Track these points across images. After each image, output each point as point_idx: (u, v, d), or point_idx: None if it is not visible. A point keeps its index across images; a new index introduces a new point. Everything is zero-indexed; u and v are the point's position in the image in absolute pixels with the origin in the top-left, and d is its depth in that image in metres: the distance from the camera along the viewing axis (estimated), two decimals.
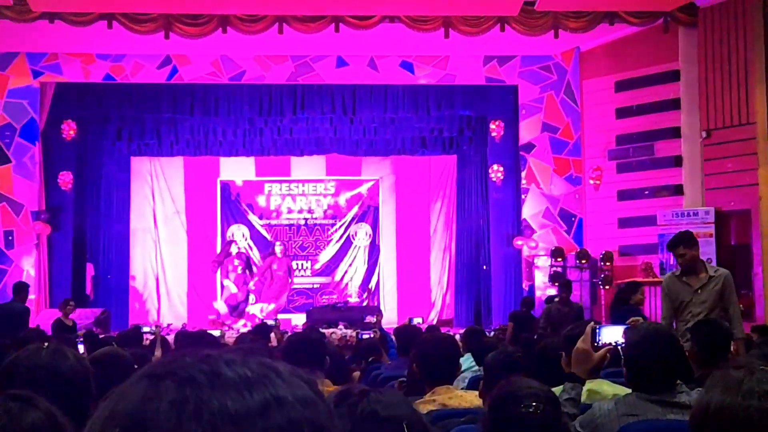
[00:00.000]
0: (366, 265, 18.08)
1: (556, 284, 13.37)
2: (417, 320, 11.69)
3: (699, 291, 6.44)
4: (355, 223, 18.15)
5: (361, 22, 12.99)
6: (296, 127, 16.35)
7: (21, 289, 10.69)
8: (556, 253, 13.72)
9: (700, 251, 6.88)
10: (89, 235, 16.05)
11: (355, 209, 18.14)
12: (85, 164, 15.87)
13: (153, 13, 12.80)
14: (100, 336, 10.09)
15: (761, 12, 12.41)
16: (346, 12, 12.92)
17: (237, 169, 17.82)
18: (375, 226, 18.22)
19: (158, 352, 8.47)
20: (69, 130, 15.11)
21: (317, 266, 18.09)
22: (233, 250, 16.99)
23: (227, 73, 15.09)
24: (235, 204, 17.94)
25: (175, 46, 14.12)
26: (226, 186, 17.94)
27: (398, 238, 18.24)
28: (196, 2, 12.56)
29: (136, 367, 3.86)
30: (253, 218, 17.94)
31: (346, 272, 18.09)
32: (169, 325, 15.40)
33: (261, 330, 9.67)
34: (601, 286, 13.54)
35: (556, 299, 10.85)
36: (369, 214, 18.22)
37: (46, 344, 2.54)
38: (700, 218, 12.94)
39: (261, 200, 18.04)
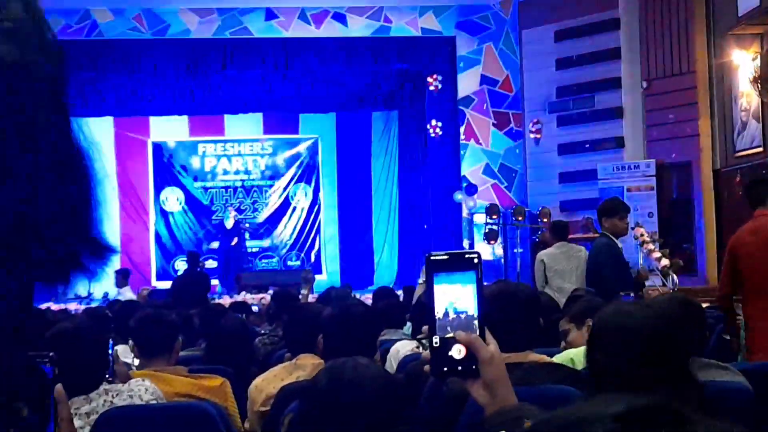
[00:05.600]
0: (306, 227, 17.52)
1: (492, 243, 12.93)
2: None
3: None
4: (294, 183, 17.53)
5: None
6: (227, 84, 15.63)
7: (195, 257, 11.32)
8: (491, 210, 13.17)
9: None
10: None
11: (294, 169, 17.50)
12: None
13: None
14: None
15: None
16: None
17: (169, 129, 17.07)
18: (315, 186, 17.63)
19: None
20: None
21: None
22: None
23: (150, 28, 14.34)
24: (168, 166, 17.23)
25: (93, 0, 13.35)
26: (158, 147, 17.18)
27: (339, 198, 17.66)
28: None
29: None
30: (187, 181, 17.24)
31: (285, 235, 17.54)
32: (106, 294, 14.73)
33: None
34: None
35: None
36: (308, 173, 17.60)
37: None
38: (641, 171, 12.53)
39: (195, 161, 17.34)
